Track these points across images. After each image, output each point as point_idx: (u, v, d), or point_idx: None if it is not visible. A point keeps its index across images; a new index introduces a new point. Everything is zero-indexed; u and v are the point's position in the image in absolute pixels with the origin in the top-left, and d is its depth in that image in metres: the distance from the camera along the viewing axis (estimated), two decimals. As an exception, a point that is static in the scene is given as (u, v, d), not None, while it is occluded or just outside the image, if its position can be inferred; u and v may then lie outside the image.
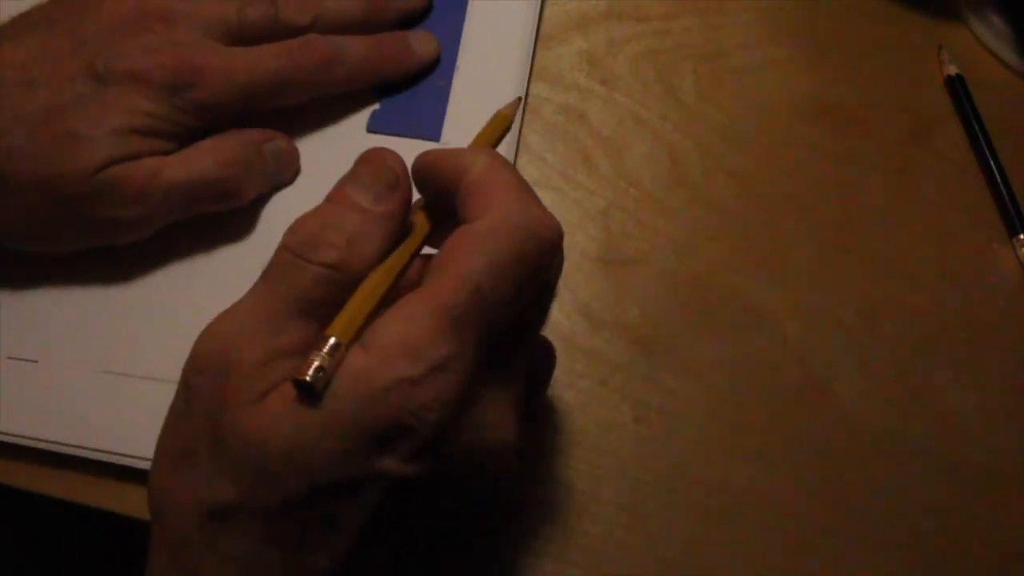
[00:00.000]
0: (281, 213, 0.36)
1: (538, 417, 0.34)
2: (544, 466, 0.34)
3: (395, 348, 0.23)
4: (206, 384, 0.24)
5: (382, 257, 0.26)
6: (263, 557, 0.24)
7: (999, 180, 0.39)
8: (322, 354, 0.23)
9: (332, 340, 0.23)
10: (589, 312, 0.36)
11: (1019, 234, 0.38)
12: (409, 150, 0.37)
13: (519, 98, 0.32)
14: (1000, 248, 0.38)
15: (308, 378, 0.23)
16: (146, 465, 0.32)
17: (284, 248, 0.25)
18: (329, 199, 0.27)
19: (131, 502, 0.32)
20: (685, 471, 0.34)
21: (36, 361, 0.33)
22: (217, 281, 0.35)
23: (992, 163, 0.39)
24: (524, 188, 0.26)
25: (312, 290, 0.25)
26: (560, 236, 0.26)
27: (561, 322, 0.36)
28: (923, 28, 0.42)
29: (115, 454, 0.32)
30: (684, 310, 0.36)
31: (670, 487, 0.33)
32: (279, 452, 0.23)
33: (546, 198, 0.38)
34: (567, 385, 0.35)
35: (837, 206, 0.39)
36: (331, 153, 0.37)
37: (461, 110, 0.38)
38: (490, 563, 0.32)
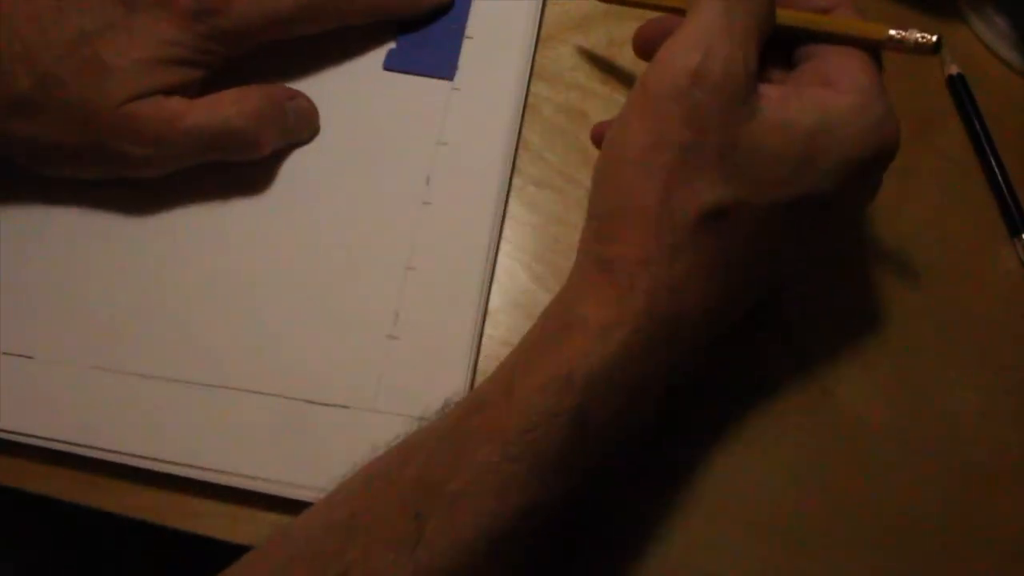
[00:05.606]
0: (297, 168, 0.37)
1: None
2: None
3: (870, 87, 0.30)
4: (710, 98, 0.28)
5: None
6: (742, 255, 0.29)
7: (1000, 180, 0.39)
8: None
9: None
10: (589, 311, 0.36)
11: (1020, 234, 0.38)
12: (423, 88, 0.38)
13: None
14: (1000, 248, 0.38)
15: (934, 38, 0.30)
16: (141, 463, 0.32)
17: None
18: None
19: (127, 500, 0.32)
20: (686, 471, 0.34)
21: (31, 357, 0.33)
22: (216, 278, 0.35)
23: (993, 163, 0.39)
24: None
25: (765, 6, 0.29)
26: None
27: (560, 321, 0.36)
28: (923, 28, 0.42)
29: (111, 452, 0.32)
30: (684, 309, 0.36)
31: (671, 487, 0.33)
32: (799, 149, 0.28)
33: (546, 197, 0.38)
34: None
35: (837, 206, 0.38)
36: (349, 87, 0.38)
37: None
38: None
